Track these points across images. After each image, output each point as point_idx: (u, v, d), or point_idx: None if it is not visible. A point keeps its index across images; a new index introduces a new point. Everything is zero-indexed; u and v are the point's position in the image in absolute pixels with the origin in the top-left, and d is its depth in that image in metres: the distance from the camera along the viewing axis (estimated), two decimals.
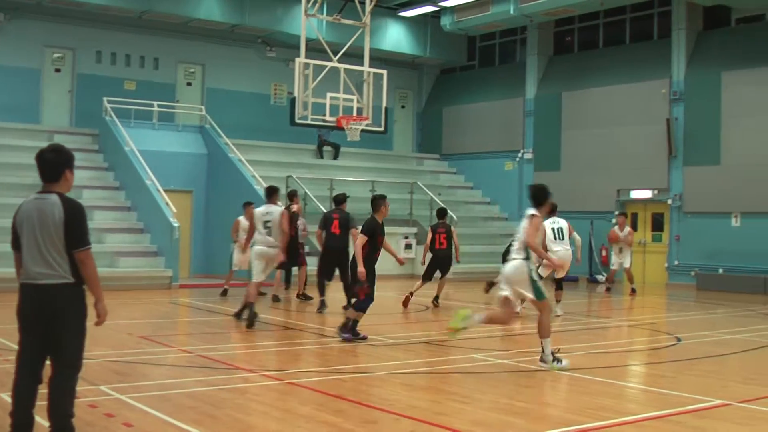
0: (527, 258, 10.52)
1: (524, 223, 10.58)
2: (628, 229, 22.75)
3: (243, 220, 18.98)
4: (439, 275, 18.59)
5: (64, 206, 6.36)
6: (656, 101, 26.93)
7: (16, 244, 6.57)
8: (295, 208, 18.89)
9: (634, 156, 27.42)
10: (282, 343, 12.92)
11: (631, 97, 27.76)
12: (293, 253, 18.30)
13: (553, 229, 16.62)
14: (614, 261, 22.99)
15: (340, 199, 17.38)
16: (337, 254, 16.58)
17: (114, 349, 11.46)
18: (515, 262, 10.51)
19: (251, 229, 15.11)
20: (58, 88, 28.10)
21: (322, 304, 16.73)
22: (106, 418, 7.55)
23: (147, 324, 15.05)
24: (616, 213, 24.31)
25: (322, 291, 17.03)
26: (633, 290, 22.61)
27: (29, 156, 25.36)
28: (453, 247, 18.76)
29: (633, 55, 28.61)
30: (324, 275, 17.03)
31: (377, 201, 13.15)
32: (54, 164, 6.52)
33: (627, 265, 22.80)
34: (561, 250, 16.22)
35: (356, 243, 12.73)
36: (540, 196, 10.75)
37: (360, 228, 13.14)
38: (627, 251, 22.73)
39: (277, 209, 15.13)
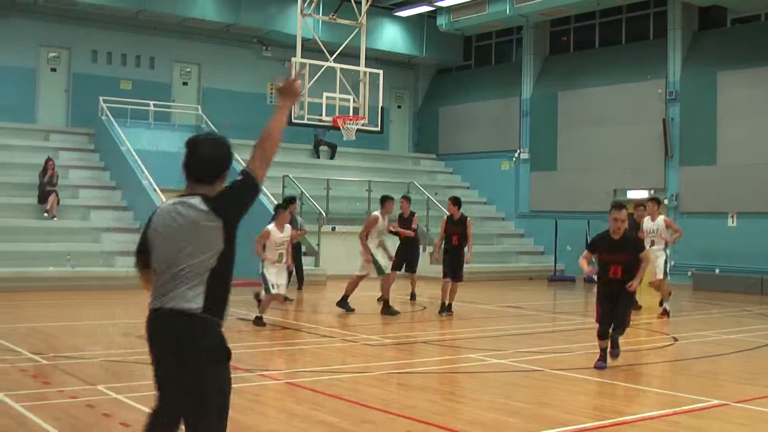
0: None
1: None
2: (662, 218, 17.17)
3: (274, 230, 14.35)
4: None
5: (212, 206, 4.64)
6: (652, 101, 26.93)
7: (145, 260, 4.98)
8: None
9: (630, 156, 27.42)
10: (279, 343, 12.91)
11: (627, 97, 27.75)
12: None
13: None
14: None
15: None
16: None
17: (112, 348, 11.45)
18: None
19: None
20: (54, 88, 28.05)
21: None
22: (103, 418, 7.55)
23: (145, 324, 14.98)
24: (647, 199, 19.42)
25: None
26: (664, 310, 16.92)
27: (24, 155, 25.31)
28: None
29: (629, 55, 28.59)
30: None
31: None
32: (213, 162, 4.83)
33: (660, 275, 16.68)
34: None
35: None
36: None
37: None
38: (660, 251, 16.66)
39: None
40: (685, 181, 25.95)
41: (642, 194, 26.98)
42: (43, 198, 22.84)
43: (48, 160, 23.32)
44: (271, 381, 9.53)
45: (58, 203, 22.99)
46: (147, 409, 7.84)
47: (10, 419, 7.46)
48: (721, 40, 26.45)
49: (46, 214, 22.71)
